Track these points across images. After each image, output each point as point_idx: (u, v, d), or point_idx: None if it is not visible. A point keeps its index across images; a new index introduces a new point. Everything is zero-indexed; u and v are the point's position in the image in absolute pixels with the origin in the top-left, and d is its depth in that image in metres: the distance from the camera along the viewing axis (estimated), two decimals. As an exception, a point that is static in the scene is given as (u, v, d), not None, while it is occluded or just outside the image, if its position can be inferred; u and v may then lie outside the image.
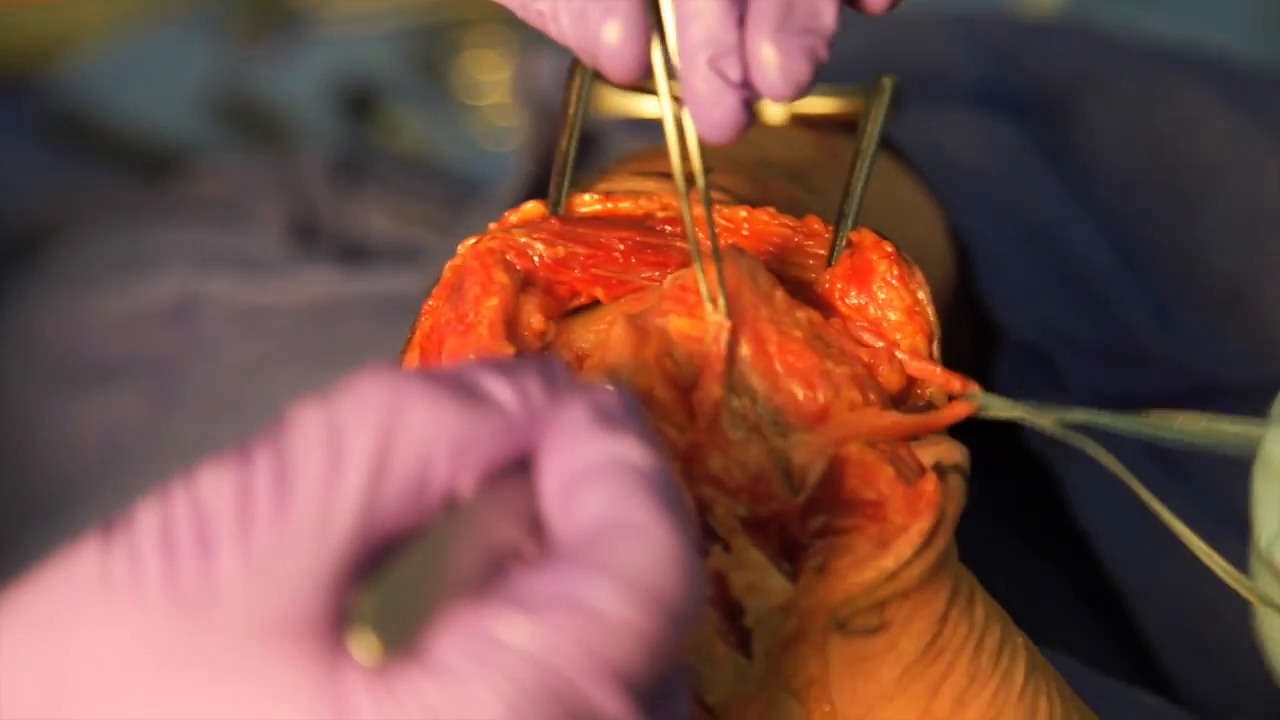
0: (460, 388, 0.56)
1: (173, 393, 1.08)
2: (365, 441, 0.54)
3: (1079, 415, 0.70)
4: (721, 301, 0.68)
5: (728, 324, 0.68)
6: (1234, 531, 0.93)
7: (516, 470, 0.56)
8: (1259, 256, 1.01)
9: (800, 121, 0.85)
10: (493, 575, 0.54)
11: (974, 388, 0.70)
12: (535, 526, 0.56)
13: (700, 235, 0.69)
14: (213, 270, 1.10)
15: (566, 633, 0.52)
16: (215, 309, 1.10)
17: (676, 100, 0.68)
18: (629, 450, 0.56)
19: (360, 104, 1.37)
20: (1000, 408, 0.69)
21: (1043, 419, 0.70)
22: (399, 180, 1.21)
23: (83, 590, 0.53)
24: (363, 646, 0.52)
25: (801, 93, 0.67)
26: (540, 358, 0.58)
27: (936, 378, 0.70)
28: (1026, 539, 0.93)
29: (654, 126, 0.89)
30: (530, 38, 1.39)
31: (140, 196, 1.20)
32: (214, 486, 0.53)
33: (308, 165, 1.19)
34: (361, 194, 1.18)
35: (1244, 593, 0.70)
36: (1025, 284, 0.95)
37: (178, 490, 0.53)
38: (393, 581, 0.53)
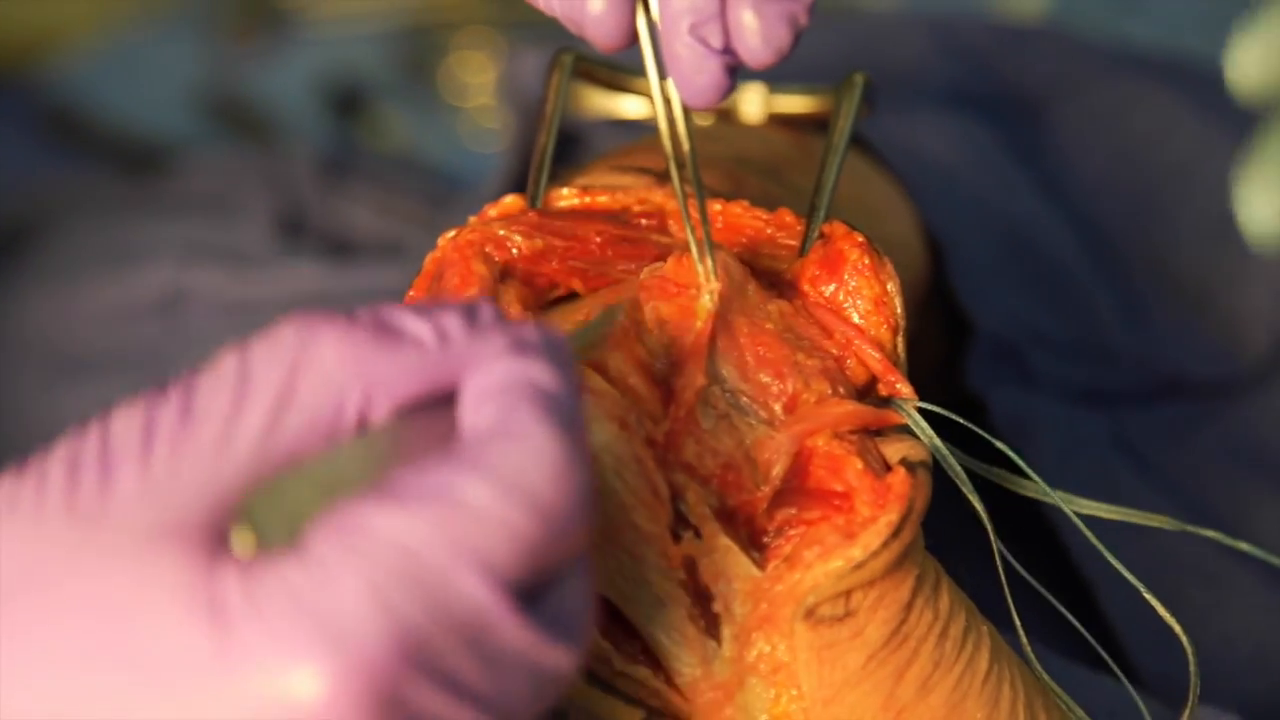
0: (377, 325, 0.58)
1: (160, 385, 1.09)
2: (272, 375, 0.57)
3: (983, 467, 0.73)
4: (713, 276, 0.69)
5: (717, 286, 0.69)
6: (1196, 521, 0.94)
7: (442, 404, 0.59)
8: (1229, 255, 1.03)
9: (777, 121, 0.86)
10: None
11: (905, 389, 0.71)
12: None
13: (690, 215, 0.70)
14: (200, 264, 1.11)
15: (436, 523, 0.55)
16: (203, 302, 1.11)
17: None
18: (536, 371, 0.58)
19: (347, 103, 1.38)
20: (920, 429, 0.71)
21: (950, 456, 0.71)
22: (385, 177, 1.22)
23: None
24: (240, 540, 0.55)
25: (782, 58, 0.68)
26: (468, 300, 0.61)
27: (876, 366, 0.71)
28: (995, 527, 0.94)
29: (635, 126, 0.90)
30: (516, 40, 1.40)
31: (128, 191, 1.21)
32: (124, 418, 0.57)
33: (295, 161, 1.20)
34: (348, 190, 1.19)
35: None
36: (996, 280, 0.96)
37: (93, 425, 0.57)
38: (283, 485, 0.56)
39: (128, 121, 1.34)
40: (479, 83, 1.40)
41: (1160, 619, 0.91)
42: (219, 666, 0.54)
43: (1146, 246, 1.03)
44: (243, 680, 0.54)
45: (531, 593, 0.57)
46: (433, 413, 0.59)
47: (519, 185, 0.99)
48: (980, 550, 0.87)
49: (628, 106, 0.88)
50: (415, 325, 0.59)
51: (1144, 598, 0.91)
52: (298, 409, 0.57)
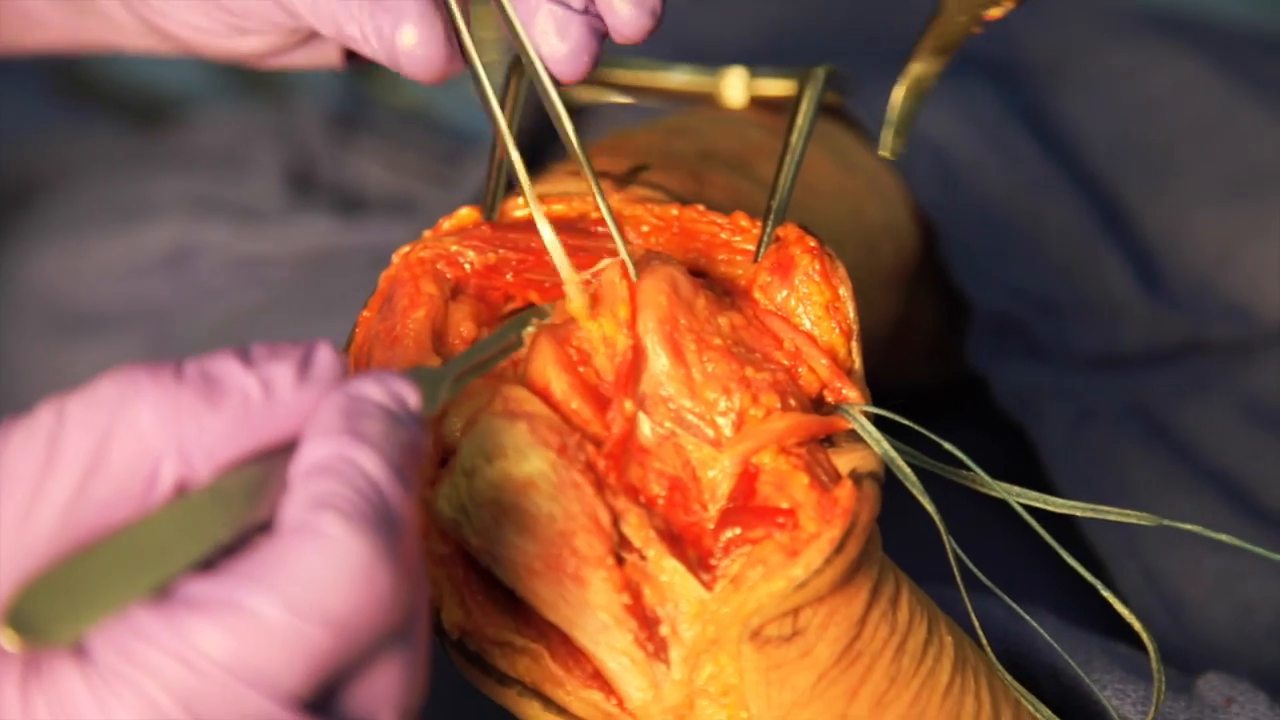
0: (202, 380, 0.56)
1: (169, 341, 1.09)
2: (85, 439, 0.55)
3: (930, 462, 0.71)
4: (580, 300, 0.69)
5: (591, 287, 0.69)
6: (1211, 487, 0.93)
7: (284, 452, 0.58)
8: (1249, 211, 1.02)
9: (760, 104, 0.85)
10: (228, 556, 0.56)
11: (854, 394, 0.70)
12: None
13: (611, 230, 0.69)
14: (209, 219, 1.11)
15: (221, 637, 0.54)
16: (212, 258, 1.10)
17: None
18: (360, 455, 0.56)
19: (359, 57, 1.37)
20: (868, 434, 0.69)
21: (898, 456, 0.69)
22: (396, 133, 1.21)
23: None
24: (6, 636, 0.53)
25: (657, 20, 0.67)
26: (305, 345, 0.58)
27: (823, 373, 0.70)
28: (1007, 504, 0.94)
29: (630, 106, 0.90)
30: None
31: (137, 146, 1.20)
32: None
33: (305, 115, 1.19)
34: (358, 145, 1.18)
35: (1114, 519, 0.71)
36: (996, 254, 0.95)
37: None
38: (77, 568, 0.54)
39: (137, 75, 1.33)
40: (491, 39, 1.39)
41: (1174, 589, 0.91)
42: None
43: (1164, 206, 1.02)
44: None
45: (330, 689, 0.55)
46: (266, 465, 0.57)
47: (529, 142, 0.98)
48: (995, 528, 0.86)
49: (613, 95, 0.88)
50: (240, 379, 0.57)
51: (1155, 570, 0.91)
52: (108, 476, 0.55)
